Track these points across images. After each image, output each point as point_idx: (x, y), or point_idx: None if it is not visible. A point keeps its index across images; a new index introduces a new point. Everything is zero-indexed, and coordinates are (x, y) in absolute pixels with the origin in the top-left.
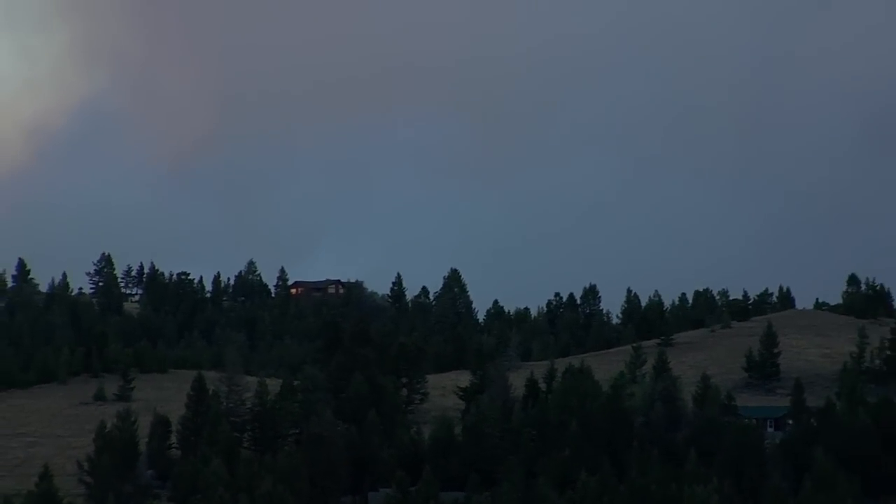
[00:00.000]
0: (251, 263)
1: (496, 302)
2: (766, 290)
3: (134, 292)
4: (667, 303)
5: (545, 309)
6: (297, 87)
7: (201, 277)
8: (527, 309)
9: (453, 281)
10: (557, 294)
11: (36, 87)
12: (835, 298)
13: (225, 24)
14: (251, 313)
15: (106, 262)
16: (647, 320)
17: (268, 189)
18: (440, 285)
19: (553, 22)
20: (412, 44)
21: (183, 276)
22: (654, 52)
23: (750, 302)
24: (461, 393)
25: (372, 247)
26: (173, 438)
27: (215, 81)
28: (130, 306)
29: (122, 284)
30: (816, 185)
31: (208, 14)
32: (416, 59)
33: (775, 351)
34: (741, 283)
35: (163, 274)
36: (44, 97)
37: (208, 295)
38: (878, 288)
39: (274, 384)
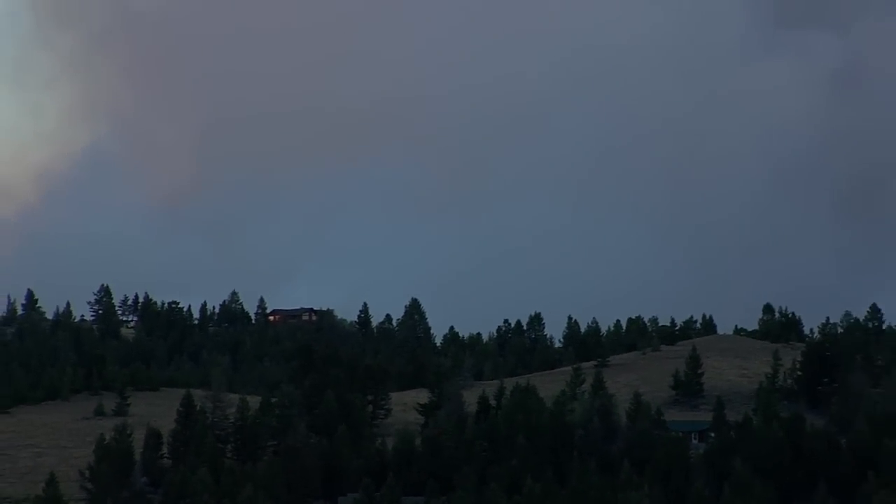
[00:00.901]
0: (234, 293)
1: (452, 328)
2: (691, 317)
3: (130, 319)
4: (603, 328)
5: (495, 334)
6: (272, 137)
7: (190, 306)
8: (479, 334)
9: (413, 309)
10: (506, 321)
11: (44, 137)
12: (752, 325)
13: (207, 82)
14: (234, 338)
15: (105, 292)
16: (586, 344)
17: (248, 227)
18: (402, 313)
19: (501, 66)
20: (373, 94)
21: (173, 305)
22: (593, 96)
23: (677, 328)
24: (421, 409)
25: (341, 278)
26: (164, 449)
27: (201, 132)
28: (127, 332)
29: (120, 312)
30: (736, 222)
31: (192, 74)
32: (377, 107)
33: (699, 371)
34: (669, 310)
35: (155, 303)
36: (50, 146)
37: (196, 322)
38: (790, 316)
39: (254, 401)
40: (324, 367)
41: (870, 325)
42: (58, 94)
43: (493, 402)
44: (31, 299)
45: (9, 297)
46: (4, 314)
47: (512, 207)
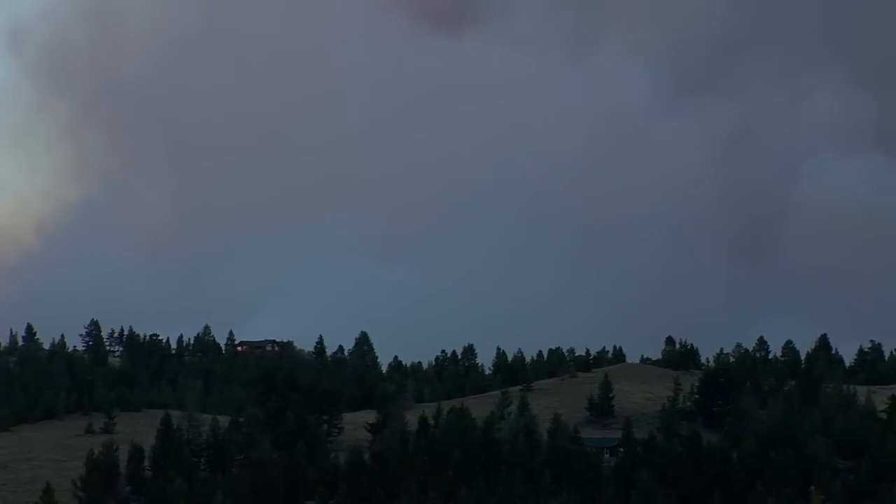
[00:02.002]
0: (207, 327)
1: (396, 357)
2: (604, 347)
3: (116, 349)
4: (528, 358)
5: (434, 362)
6: (239, 191)
7: (168, 338)
8: (420, 362)
9: (363, 341)
10: (443, 351)
11: (42, 193)
12: (656, 354)
13: (180, 143)
14: (207, 366)
15: (95, 326)
16: (513, 371)
17: (219, 269)
18: (353, 344)
19: (437, 128)
20: (328, 149)
21: (154, 337)
22: (515, 153)
23: (591, 357)
24: (369, 427)
25: (300, 314)
26: (146, 463)
27: (176, 187)
28: (113, 360)
29: (107, 343)
30: (642, 264)
31: (168, 136)
32: (332, 161)
33: (610, 395)
34: (584, 342)
35: (139, 335)
36: (48, 200)
37: (174, 351)
38: (689, 347)
39: (224, 420)
40: (285, 392)
41: (757, 354)
42: (54, 155)
43: (431, 422)
44: (30, 332)
45: (11, 331)
46: (7, 345)
47: (447, 252)
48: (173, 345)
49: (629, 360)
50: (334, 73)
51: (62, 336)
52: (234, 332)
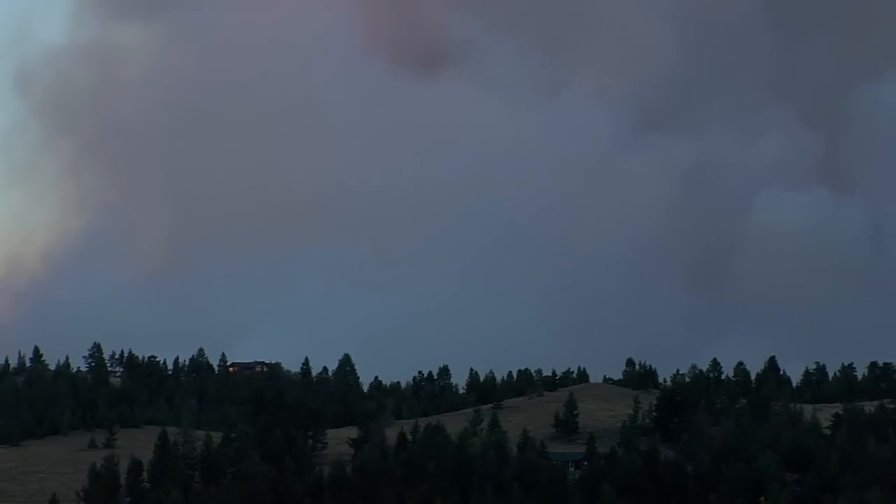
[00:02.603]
0: (201, 349)
1: (376, 377)
2: (569, 368)
3: (117, 370)
4: (498, 378)
5: (411, 382)
6: (231, 222)
7: (165, 359)
8: (398, 382)
9: (346, 362)
10: (420, 371)
11: (48, 224)
12: (617, 375)
13: (175, 177)
14: (201, 385)
15: (97, 348)
16: (484, 391)
17: (212, 296)
18: (336, 365)
19: (417, 163)
20: (315, 182)
21: (152, 359)
22: (488, 188)
23: (557, 377)
24: (351, 443)
25: (288, 337)
26: (145, 475)
27: (174, 219)
28: (114, 380)
29: (109, 364)
30: (605, 291)
31: (164, 171)
32: (315, 199)
33: (575, 413)
34: (551, 363)
35: (138, 357)
36: (53, 231)
37: (170, 372)
38: (648, 368)
39: (217, 436)
40: (273, 409)
41: (711, 375)
42: (59, 189)
43: (409, 438)
44: (37, 354)
45: (19, 352)
46: (15, 366)
47: (424, 279)
48: (170, 366)
49: (592, 380)
50: (320, 112)
51: (67, 357)
52: (227, 354)
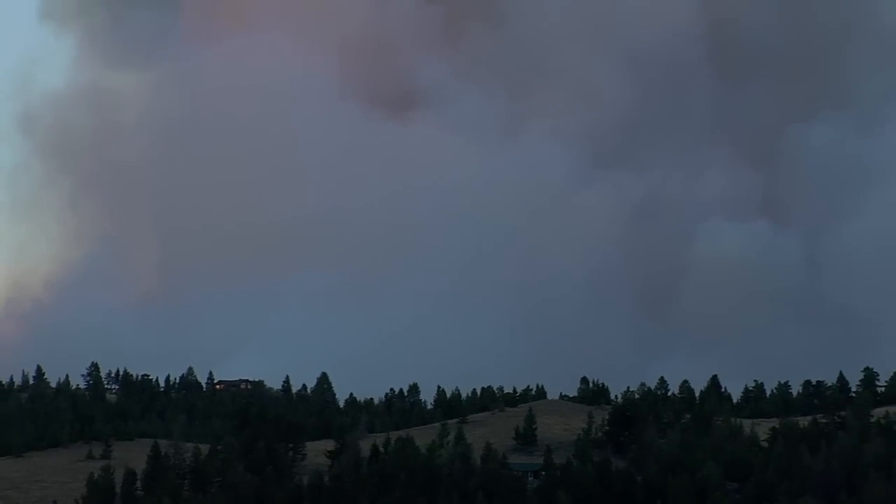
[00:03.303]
0: (190, 368)
1: (351, 394)
2: (528, 386)
3: (113, 387)
4: (464, 395)
5: (384, 398)
6: (217, 250)
7: (157, 377)
8: (372, 398)
9: (323, 380)
10: (392, 388)
11: (51, 253)
12: (573, 392)
13: (166, 212)
14: (190, 401)
15: (94, 367)
16: (451, 406)
17: (200, 318)
18: (314, 383)
19: (387, 196)
20: (294, 213)
21: (145, 377)
22: (456, 219)
23: (517, 394)
24: (328, 454)
25: (270, 357)
26: (138, 484)
27: (164, 249)
28: (111, 396)
29: (105, 382)
30: (561, 314)
31: (155, 205)
32: (295, 230)
33: (534, 427)
34: (512, 381)
35: (132, 375)
36: (56, 259)
37: (162, 389)
38: (601, 385)
39: (205, 448)
40: (256, 424)
41: (658, 392)
42: (60, 223)
43: (381, 450)
44: (39, 372)
45: (23, 371)
46: (20, 383)
47: (395, 304)
48: (161, 383)
49: (550, 396)
50: (300, 150)
51: (67, 376)
52: (214, 373)
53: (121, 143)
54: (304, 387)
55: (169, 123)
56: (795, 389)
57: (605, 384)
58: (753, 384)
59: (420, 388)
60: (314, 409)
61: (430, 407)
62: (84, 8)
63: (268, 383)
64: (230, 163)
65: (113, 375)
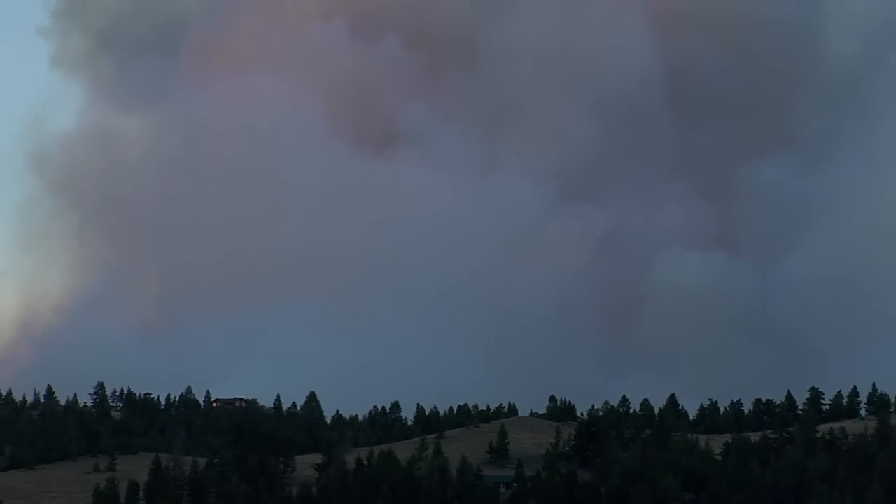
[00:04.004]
0: (189, 387)
1: (338, 411)
2: (501, 404)
3: (117, 405)
4: (441, 412)
5: (368, 415)
6: (213, 279)
7: (158, 396)
8: (357, 415)
9: (312, 399)
10: (375, 406)
11: (60, 282)
12: (542, 409)
13: (165, 243)
14: (189, 418)
15: (100, 387)
16: (430, 422)
17: (198, 342)
18: (304, 401)
19: (368, 230)
20: (279, 252)
21: (148, 395)
22: (432, 249)
23: (491, 411)
24: (316, 467)
25: (262, 377)
26: (141, 495)
27: (164, 278)
28: (115, 413)
29: (111, 400)
30: (532, 338)
31: (155, 237)
32: (284, 260)
33: (506, 441)
34: (486, 399)
35: (135, 394)
36: (65, 287)
37: (163, 407)
38: (568, 403)
39: (202, 461)
40: (250, 439)
41: (621, 409)
42: (69, 254)
43: (365, 463)
44: (49, 391)
45: (34, 390)
46: (31, 402)
47: (379, 329)
48: (162, 401)
49: (521, 413)
50: (290, 186)
51: (75, 395)
52: (211, 392)
53: (124, 180)
54: (294, 404)
55: (168, 162)
56: (747, 407)
57: (572, 402)
58: (708, 402)
59: (401, 406)
60: (303, 425)
61: (410, 423)
62: (91, 56)
63: (260, 401)
64: (225, 198)
65: (117, 394)
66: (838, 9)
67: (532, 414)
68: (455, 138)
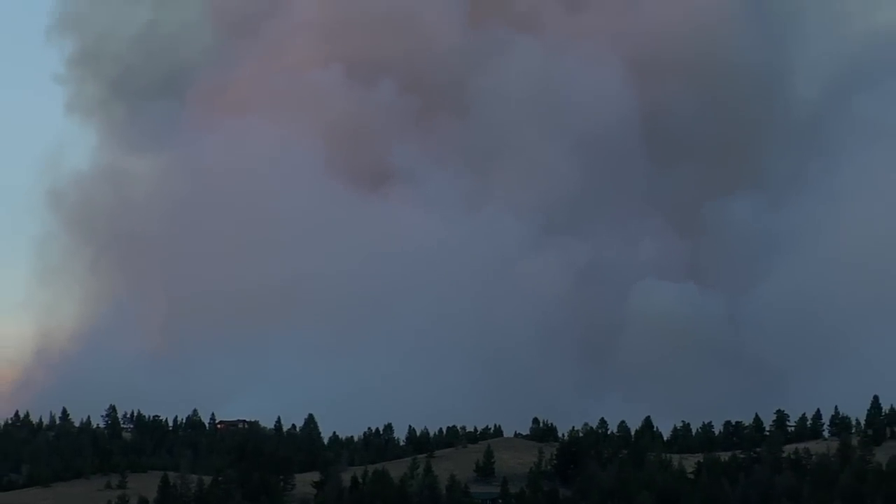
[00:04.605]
0: (195, 410)
1: (335, 432)
2: (487, 425)
3: (128, 427)
4: (431, 433)
5: (363, 437)
6: (216, 309)
7: (167, 418)
8: (352, 436)
9: (310, 420)
10: (369, 427)
11: (75, 312)
12: (525, 431)
13: (172, 276)
14: (195, 439)
15: (112, 409)
16: (420, 443)
17: (203, 368)
18: (303, 423)
19: (359, 261)
20: (278, 283)
21: (156, 417)
22: (422, 281)
23: (478, 432)
24: (314, 485)
25: (264, 401)
26: None
27: (171, 309)
28: (126, 434)
29: (122, 422)
30: (516, 363)
31: (163, 271)
32: (283, 291)
33: (492, 461)
34: (473, 421)
35: (145, 416)
36: (80, 317)
37: (170, 428)
38: (549, 425)
39: (207, 479)
40: (252, 458)
41: (599, 430)
42: (83, 286)
43: (360, 481)
44: (65, 414)
45: (51, 412)
46: (48, 423)
47: (373, 356)
48: (170, 423)
49: (506, 434)
50: (290, 222)
51: (88, 417)
52: (215, 414)
53: (135, 216)
54: (294, 426)
55: (176, 200)
56: (717, 428)
57: (554, 424)
58: (681, 424)
59: (394, 428)
60: (302, 445)
61: (402, 444)
62: (104, 102)
63: (262, 423)
64: (229, 234)
65: (128, 416)
66: (802, 57)
67: (516, 435)
68: (444, 177)
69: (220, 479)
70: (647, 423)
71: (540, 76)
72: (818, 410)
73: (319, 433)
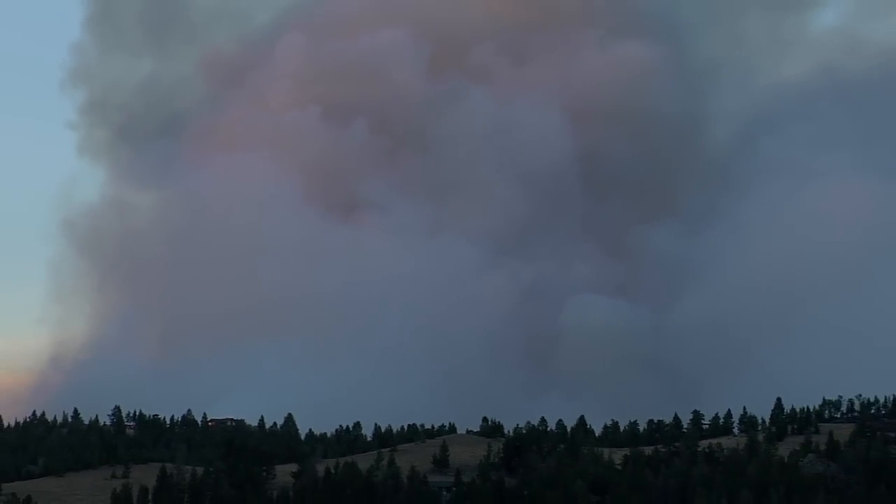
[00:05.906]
0: (189, 410)
1: (310, 429)
2: (443, 423)
3: (132, 424)
4: (395, 430)
5: (335, 432)
6: (208, 324)
7: (164, 417)
8: (325, 433)
9: (290, 419)
10: (340, 425)
11: (85, 326)
12: (476, 428)
13: (170, 293)
14: (189, 435)
15: (117, 409)
16: (385, 438)
17: (197, 373)
18: (283, 421)
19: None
20: (258, 302)
21: (156, 416)
22: (387, 301)
23: (435, 429)
24: (293, 475)
25: (249, 402)
26: (150, 497)
27: (169, 323)
28: (129, 431)
29: (126, 421)
30: (468, 370)
31: (165, 288)
32: (263, 308)
33: (447, 454)
34: (431, 419)
35: (146, 415)
36: (88, 331)
37: (168, 426)
38: (497, 423)
39: (200, 470)
40: (238, 451)
41: (540, 428)
42: (91, 304)
43: (333, 472)
44: (76, 413)
45: (63, 412)
46: (61, 421)
47: (344, 365)
48: (168, 421)
49: (459, 431)
50: (273, 247)
51: (96, 416)
52: (207, 413)
53: (138, 243)
54: (275, 424)
55: (175, 229)
56: (642, 426)
57: (501, 422)
58: (611, 422)
59: (362, 425)
60: (282, 440)
61: (369, 439)
62: (110, 144)
63: (248, 421)
64: (219, 257)
65: (131, 415)
66: (716, 106)
67: (468, 431)
68: (408, 207)
69: (210, 470)
70: (582, 421)
71: (491, 121)
72: (729, 410)
73: (297, 430)
